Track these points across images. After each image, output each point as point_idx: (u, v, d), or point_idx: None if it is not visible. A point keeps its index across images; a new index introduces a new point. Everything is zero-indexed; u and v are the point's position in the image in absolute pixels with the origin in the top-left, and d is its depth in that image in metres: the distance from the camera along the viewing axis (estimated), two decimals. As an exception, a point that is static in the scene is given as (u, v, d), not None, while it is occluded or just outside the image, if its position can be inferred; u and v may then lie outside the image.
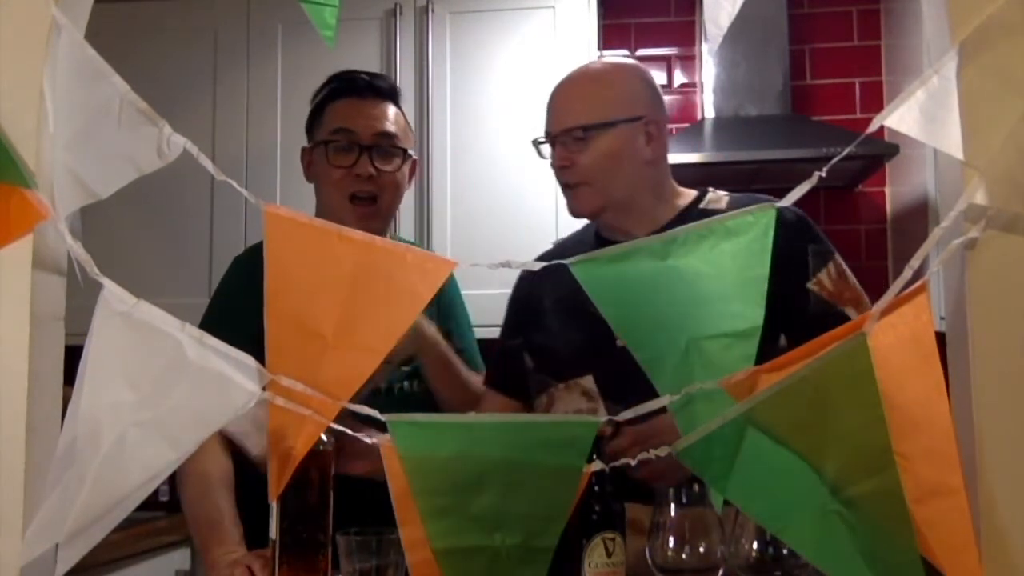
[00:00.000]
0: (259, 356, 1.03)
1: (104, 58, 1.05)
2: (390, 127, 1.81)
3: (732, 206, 1.63)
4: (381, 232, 1.78)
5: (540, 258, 1.75)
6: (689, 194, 1.72)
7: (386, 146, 1.80)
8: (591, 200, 1.64)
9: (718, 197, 1.70)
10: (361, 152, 1.77)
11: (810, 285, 1.59)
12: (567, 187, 1.66)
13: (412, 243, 2.00)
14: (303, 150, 1.88)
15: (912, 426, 0.95)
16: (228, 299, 1.80)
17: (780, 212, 1.56)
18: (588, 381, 1.60)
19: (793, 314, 1.50)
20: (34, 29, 1.05)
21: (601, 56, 3.11)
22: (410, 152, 1.85)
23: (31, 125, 1.05)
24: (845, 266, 1.64)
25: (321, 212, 1.80)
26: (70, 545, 1.00)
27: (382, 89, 1.85)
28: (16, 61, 1.05)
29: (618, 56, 1.80)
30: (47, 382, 1.06)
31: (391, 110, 1.84)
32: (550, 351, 1.67)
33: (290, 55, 3.04)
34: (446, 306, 1.93)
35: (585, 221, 1.83)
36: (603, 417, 1.09)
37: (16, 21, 1.05)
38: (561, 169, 1.65)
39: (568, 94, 1.68)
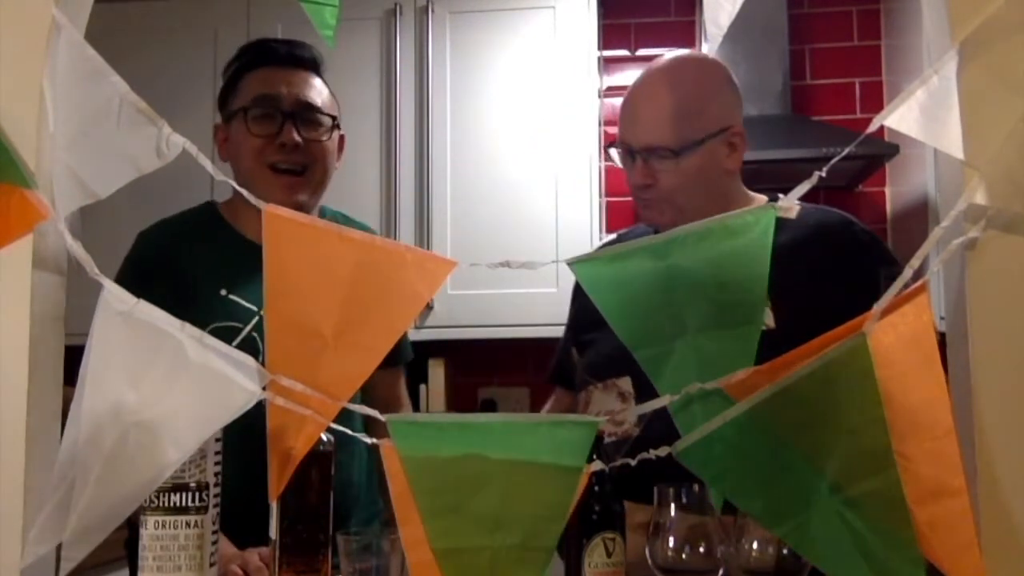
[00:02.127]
0: None
1: (104, 58, 1.05)
2: (315, 96, 1.69)
3: (803, 217, 1.56)
4: (308, 207, 1.67)
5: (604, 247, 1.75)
6: (759, 199, 1.65)
7: (312, 114, 1.67)
8: (669, 216, 1.55)
9: (789, 206, 1.66)
10: (284, 120, 1.63)
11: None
12: (644, 200, 1.58)
13: (339, 214, 1.86)
14: (216, 127, 1.74)
15: (913, 426, 0.95)
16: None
17: (854, 233, 1.55)
18: (625, 382, 1.58)
19: None
20: (34, 29, 1.05)
21: (601, 56, 3.11)
22: (338, 121, 1.72)
23: (31, 125, 1.05)
24: None
25: (237, 196, 1.59)
26: (73, 545, 1.00)
27: (303, 58, 1.72)
28: (16, 61, 1.05)
29: (691, 52, 1.68)
30: (47, 382, 1.06)
31: (315, 80, 1.72)
32: (594, 350, 1.66)
33: (290, 55, 3.04)
34: None
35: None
36: (603, 417, 1.09)
37: (16, 21, 1.05)
38: (644, 187, 1.56)
39: (657, 107, 1.55)
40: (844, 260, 1.51)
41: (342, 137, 1.77)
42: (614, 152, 1.61)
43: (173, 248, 1.74)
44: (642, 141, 1.54)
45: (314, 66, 1.74)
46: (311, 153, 1.66)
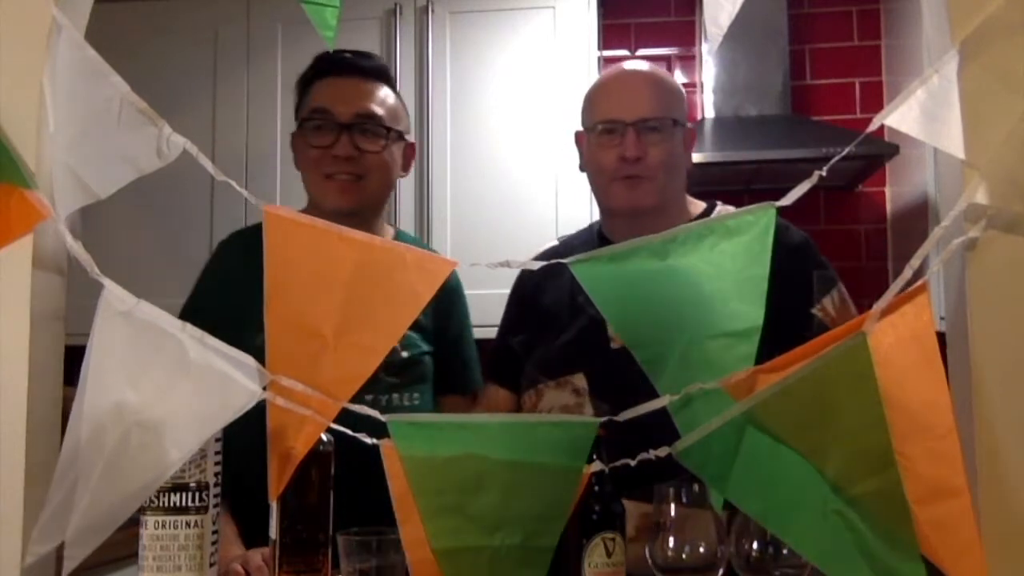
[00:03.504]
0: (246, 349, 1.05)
1: (104, 58, 1.05)
2: (374, 107, 1.70)
3: None
4: (367, 216, 1.70)
5: (544, 254, 1.74)
6: (699, 205, 1.70)
7: (369, 126, 1.69)
8: (652, 195, 1.59)
9: (724, 209, 1.69)
10: (340, 131, 1.66)
11: (814, 310, 1.57)
12: (627, 179, 1.60)
13: (413, 239, 1.91)
14: (292, 136, 1.78)
15: (914, 426, 0.95)
16: (206, 294, 1.74)
17: (787, 235, 1.58)
18: (579, 379, 1.59)
19: (793, 338, 1.48)
20: (34, 29, 1.05)
21: (601, 56, 3.11)
22: (400, 132, 1.74)
23: (31, 125, 1.05)
24: (847, 295, 1.63)
25: (309, 199, 1.72)
26: (76, 544, 1.00)
27: (366, 68, 1.74)
28: (16, 61, 1.05)
29: (636, 60, 1.77)
30: (47, 382, 1.06)
31: (379, 90, 1.73)
32: (545, 349, 1.66)
33: (290, 55, 3.04)
34: (445, 309, 1.84)
35: (583, 221, 1.83)
36: (604, 417, 1.09)
37: (16, 21, 1.06)
38: (634, 161, 1.57)
39: (643, 85, 1.63)
40: (778, 261, 1.52)
41: (411, 145, 1.79)
42: (592, 133, 1.63)
43: (243, 258, 1.74)
44: (639, 113, 1.58)
45: (380, 75, 1.75)
46: (366, 164, 1.68)
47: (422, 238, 2.96)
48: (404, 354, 1.71)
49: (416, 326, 1.74)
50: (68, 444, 1.01)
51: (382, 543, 1.15)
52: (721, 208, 1.69)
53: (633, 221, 1.60)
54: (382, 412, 1.65)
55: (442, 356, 1.80)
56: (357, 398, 1.61)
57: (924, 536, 0.94)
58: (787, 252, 1.54)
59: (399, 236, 1.86)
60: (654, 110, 1.59)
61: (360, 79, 1.73)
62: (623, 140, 1.58)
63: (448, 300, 1.84)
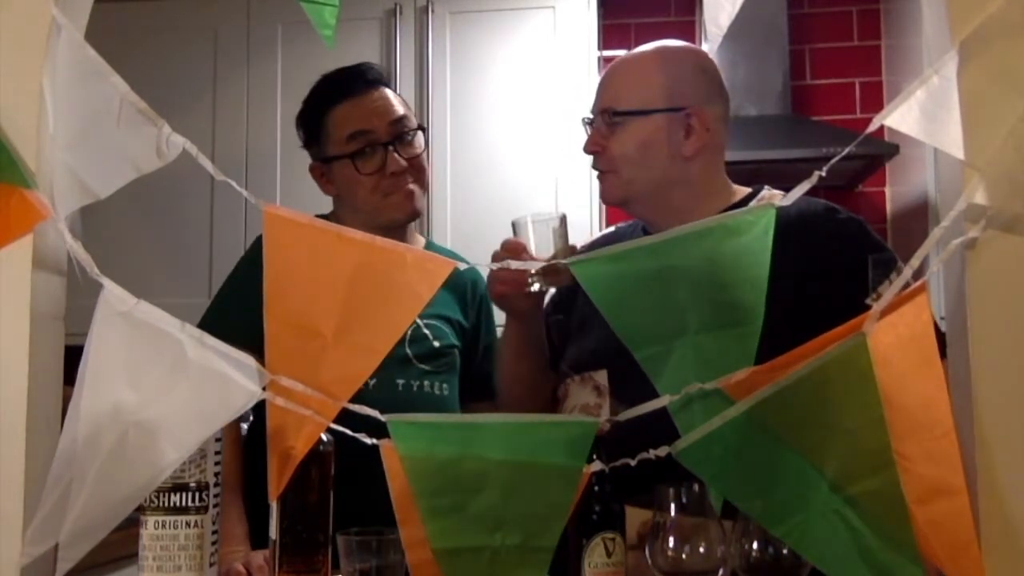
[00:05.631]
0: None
1: (104, 58, 1.05)
2: (400, 109, 1.75)
3: (786, 208, 1.46)
4: (422, 209, 1.76)
5: (597, 242, 1.71)
6: (741, 191, 1.61)
7: (404, 132, 1.73)
8: (615, 190, 1.56)
9: (771, 195, 1.58)
10: (385, 150, 1.70)
11: (870, 300, 1.47)
12: (597, 171, 1.58)
13: (442, 249, 1.90)
14: (314, 167, 1.79)
15: (913, 426, 0.95)
16: (243, 283, 1.70)
17: (836, 220, 1.52)
18: (601, 376, 1.55)
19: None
20: (34, 29, 1.05)
21: (601, 56, 3.11)
22: (421, 126, 1.80)
23: (31, 125, 1.05)
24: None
25: (349, 221, 1.64)
26: (71, 545, 1.00)
27: (374, 79, 1.78)
28: (16, 61, 1.05)
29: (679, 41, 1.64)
30: (47, 382, 1.06)
31: (392, 94, 1.77)
32: (573, 343, 1.65)
33: (290, 55, 3.04)
34: (479, 312, 1.85)
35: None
36: (603, 417, 1.09)
37: (16, 21, 1.06)
38: (592, 155, 1.56)
39: (613, 74, 1.58)
40: (829, 249, 1.48)
41: (423, 129, 1.83)
42: (584, 128, 1.60)
43: None
44: (598, 105, 1.55)
45: (384, 80, 1.79)
46: (416, 170, 1.73)
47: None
48: (436, 344, 1.73)
49: (447, 320, 1.76)
50: (64, 444, 1.01)
51: (382, 543, 1.15)
52: (767, 192, 1.59)
53: (636, 213, 1.59)
54: (414, 398, 1.69)
55: (471, 359, 1.80)
56: (389, 382, 1.65)
57: (922, 535, 0.94)
58: (841, 238, 1.49)
59: (429, 246, 1.86)
60: (611, 101, 1.52)
61: (373, 89, 1.75)
62: (592, 133, 1.56)
63: (485, 304, 1.85)
